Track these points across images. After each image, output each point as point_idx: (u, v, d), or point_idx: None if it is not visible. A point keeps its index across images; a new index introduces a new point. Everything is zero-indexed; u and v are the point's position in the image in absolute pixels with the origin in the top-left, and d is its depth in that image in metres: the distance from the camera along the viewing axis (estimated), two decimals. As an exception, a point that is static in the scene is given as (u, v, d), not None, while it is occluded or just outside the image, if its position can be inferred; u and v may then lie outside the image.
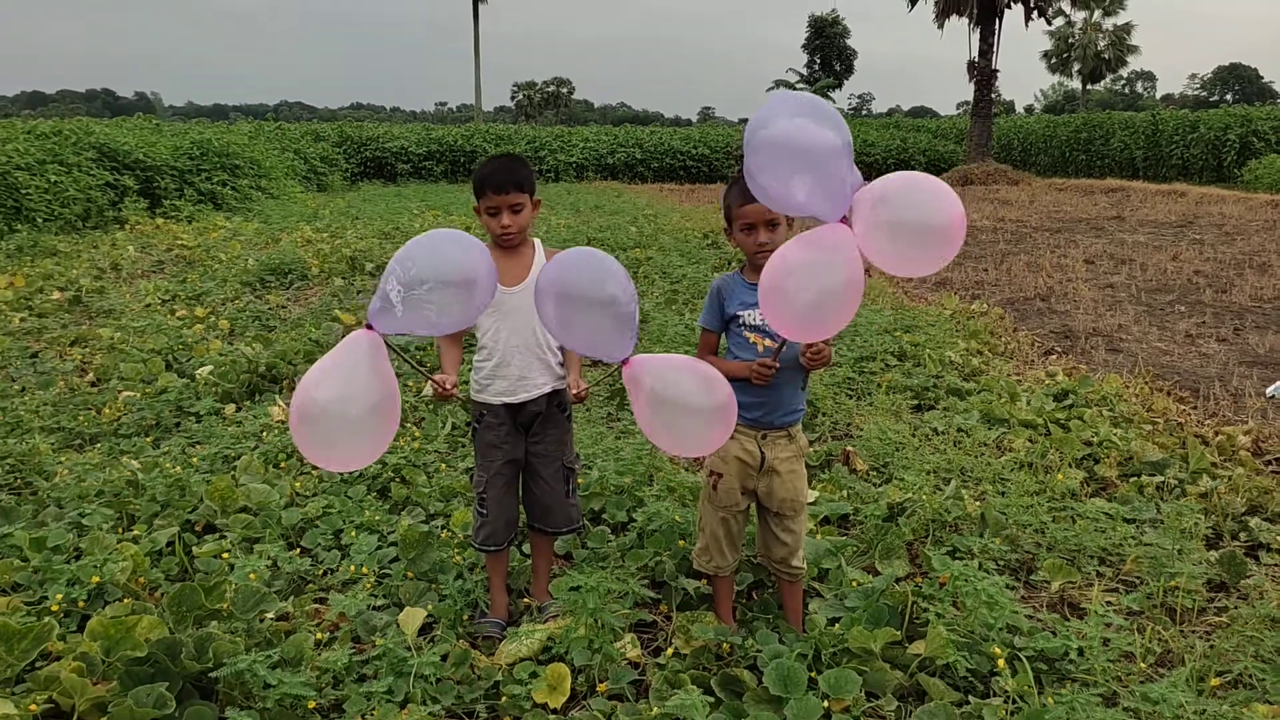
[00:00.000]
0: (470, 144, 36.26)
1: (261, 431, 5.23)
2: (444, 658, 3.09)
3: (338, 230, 15.25)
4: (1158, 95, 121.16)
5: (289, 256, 11.27)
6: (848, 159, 2.47)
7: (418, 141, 35.98)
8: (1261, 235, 15.84)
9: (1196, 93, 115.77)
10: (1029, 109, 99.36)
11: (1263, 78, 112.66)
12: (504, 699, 2.98)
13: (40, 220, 14.22)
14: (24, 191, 14.30)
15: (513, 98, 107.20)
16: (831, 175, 2.46)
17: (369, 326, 2.65)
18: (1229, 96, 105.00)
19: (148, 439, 5.25)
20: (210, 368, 6.36)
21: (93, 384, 6.46)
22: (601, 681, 3.06)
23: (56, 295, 9.38)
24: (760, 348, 3.14)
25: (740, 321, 3.18)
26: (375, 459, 2.82)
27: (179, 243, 13.66)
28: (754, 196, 2.96)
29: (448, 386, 3.12)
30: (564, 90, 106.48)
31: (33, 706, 2.70)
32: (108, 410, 5.65)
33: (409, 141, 35.77)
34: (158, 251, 13.12)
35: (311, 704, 2.84)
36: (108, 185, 16.66)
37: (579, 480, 4.36)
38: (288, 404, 5.74)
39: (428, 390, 6.10)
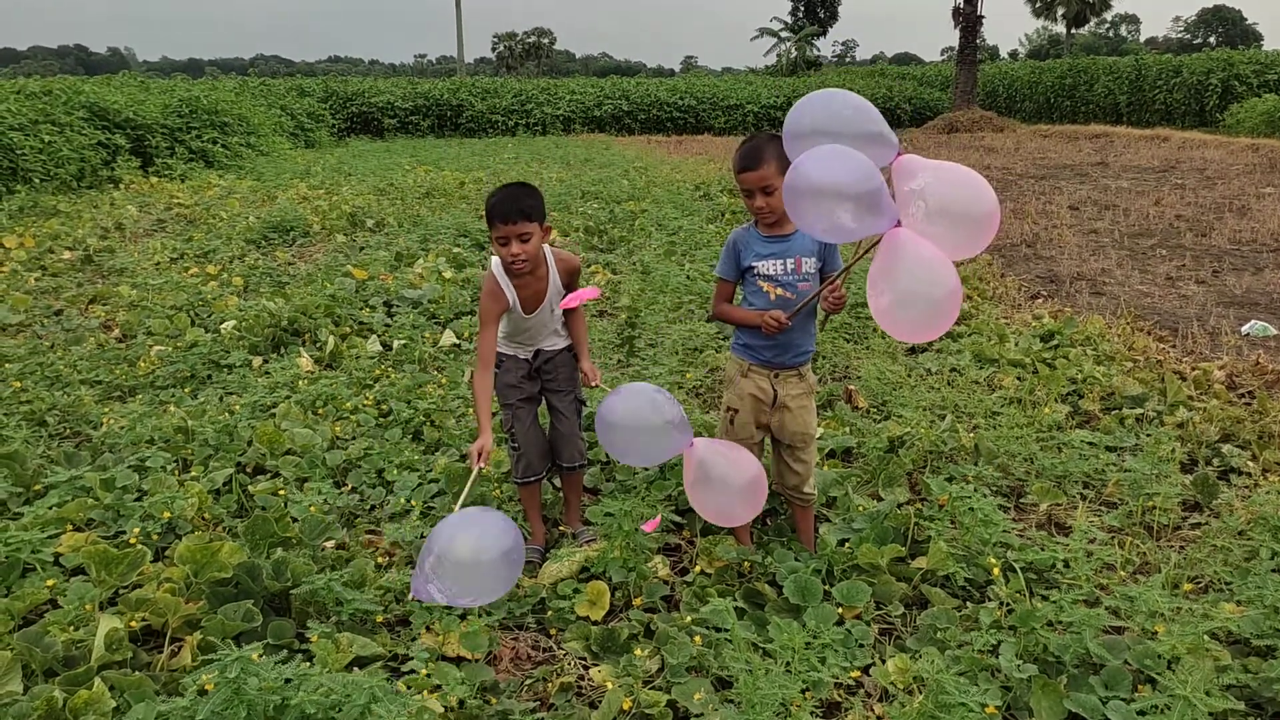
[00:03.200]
0: (456, 97, 36.11)
1: (294, 381, 5.51)
2: (493, 578, 3.40)
3: (333, 187, 15.39)
4: (1142, 38, 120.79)
5: (289, 214, 11.44)
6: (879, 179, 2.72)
7: (403, 96, 35.80)
8: (1241, 179, 16.16)
9: (1181, 35, 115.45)
10: (1013, 54, 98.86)
11: (1246, 19, 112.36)
12: (550, 613, 3.32)
13: (37, 180, 14.32)
14: (19, 152, 14.37)
15: (493, 49, 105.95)
16: (873, 198, 2.67)
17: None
18: (1212, 39, 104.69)
19: (185, 390, 5.53)
20: (233, 322, 6.62)
21: (120, 339, 6.71)
22: (636, 596, 3.39)
23: (67, 255, 9.57)
24: (773, 295, 3.43)
25: (755, 272, 3.45)
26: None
27: (176, 201, 13.80)
28: (750, 164, 3.27)
29: (480, 463, 3.23)
30: (545, 41, 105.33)
31: (133, 623, 3.01)
32: (142, 363, 5.91)
33: (395, 96, 35.59)
34: (157, 210, 13.25)
35: (380, 618, 3.17)
36: (100, 144, 16.69)
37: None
38: (312, 356, 6.02)
39: (445, 339, 6.38)
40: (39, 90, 17.55)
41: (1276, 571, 3.26)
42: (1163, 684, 2.46)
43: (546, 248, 3.51)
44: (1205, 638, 2.77)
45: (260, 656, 2.40)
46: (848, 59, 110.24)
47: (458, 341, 6.49)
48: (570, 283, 3.61)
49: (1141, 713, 2.55)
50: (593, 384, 3.67)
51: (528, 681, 3.00)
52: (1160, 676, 2.60)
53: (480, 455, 3.23)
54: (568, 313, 3.67)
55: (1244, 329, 6.89)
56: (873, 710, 2.85)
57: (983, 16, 35.24)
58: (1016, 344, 6.15)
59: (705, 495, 3.18)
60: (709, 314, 3.49)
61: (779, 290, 3.44)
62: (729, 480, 3.13)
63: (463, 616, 3.18)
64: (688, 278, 7.91)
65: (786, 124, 2.90)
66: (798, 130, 2.88)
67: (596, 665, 3.05)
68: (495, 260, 3.45)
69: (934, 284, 2.65)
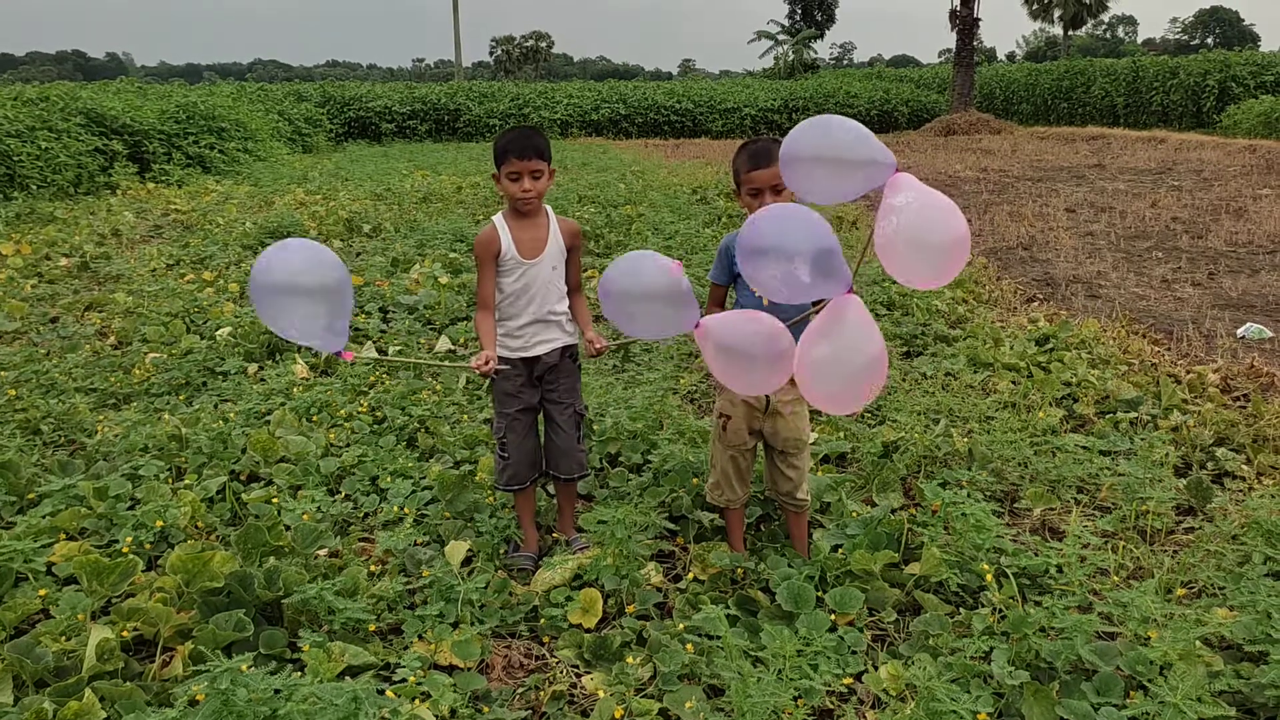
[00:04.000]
0: (454, 102, 36.13)
1: (289, 388, 5.51)
2: (486, 585, 3.40)
3: (330, 192, 15.40)
4: (1139, 40, 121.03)
5: (286, 219, 11.45)
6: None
7: (401, 100, 35.83)
8: (1238, 180, 16.18)
9: (1178, 36, 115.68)
10: (1010, 56, 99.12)
11: (1244, 20, 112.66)
12: (543, 620, 3.31)
13: (34, 187, 14.33)
14: (16, 159, 14.39)
15: (491, 53, 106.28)
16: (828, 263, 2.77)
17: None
18: (1210, 40, 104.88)
19: (180, 397, 5.53)
20: (229, 329, 6.62)
21: (115, 346, 6.71)
22: (630, 603, 3.38)
23: (64, 262, 9.58)
24: (765, 301, 3.44)
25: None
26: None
27: (173, 207, 13.81)
28: (761, 162, 3.27)
29: (487, 367, 3.39)
30: (543, 44, 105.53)
31: (124, 633, 3.01)
32: (137, 371, 5.92)
33: (392, 100, 35.61)
34: (154, 216, 13.28)
35: (372, 627, 3.17)
36: (97, 150, 16.71)
37: (595, 426, 4.69)
38: (308, 363, 6.03)
39: (441, 346, 6.39)
40: (36, 96, 17.58)
41: (1270, 576, 3.27)
42: (1154, 690, 2.45)
43: (554, 216, 3.66)
44: (1197, 643, 2.77)
45: (250, 667, 2.40)
46: (845, 61, 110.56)
47: (453, 347, 6.49)
48: (573, 244, 3.68)
49: (1133, 719, 2.55)
50: (597, 350, 3.60)
51: (520, 690, 3.00)
52: (1151, 683, 2.60)
53: (485, 362, 3.38)
54: (570, 293, 3.69)
55: (1240, 332, 6.89)
56: (865, 717, 2.85)
57: (979, 19, 35.30)
58: (1011, 348, 6.16)
59: (730, 369, 3.06)
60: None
61: (772, 296, 3.44)
62: (752, 349, 2.99)
63: (455, 625, 3.18)
64: (683, 282, 7.91)
65: (783, 150, 2.95)
66: (795, 155, 2.93)
67: (589, 673, 3.05)
68: (497, 215, 3.61)
69: (857, 352, 2.78)
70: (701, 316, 3.35)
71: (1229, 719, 2.65)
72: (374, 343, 6.55)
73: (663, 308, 3.06)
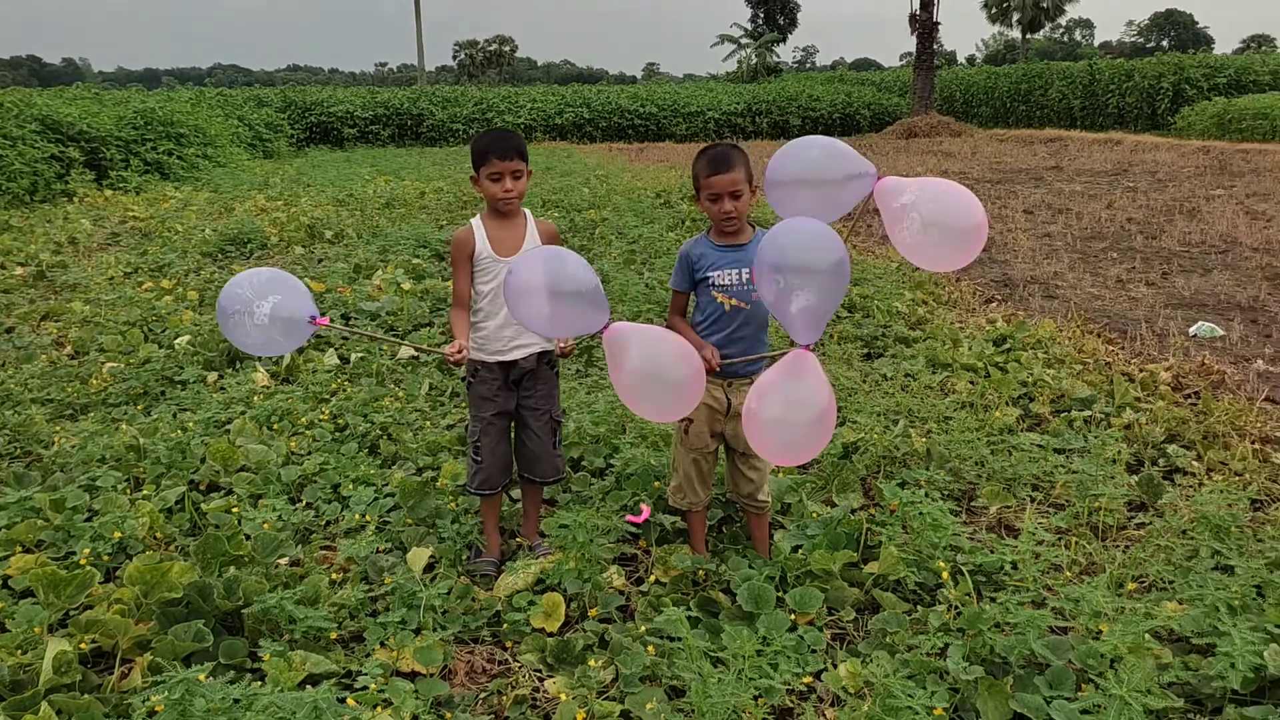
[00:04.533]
0: (416, 106, 35.99)
1: (249, 396, 5.47)
2: (448, 591, 3.41)
3: (291, 199, 15.28)
4: (1096, 43, 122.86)
5: (246, 226, 11.36)
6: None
7: (363, 105, 35.64)
8: (1192, 181, 16.48)
9: (1134, 39, 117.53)
10: (970, 59, 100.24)
11: (1198, 23, 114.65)
12: (505, 625, 3.32)
13: (-12, 195, 14.12)
14: (-31, 166, 14.17)
15: (454, 56, 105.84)
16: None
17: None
18: (1165, 42, 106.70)
19: (138, 407, 5.48)
20: (188, 337, 6.56)
21: (72, 356, 6.63)
22: (592, 607, 3.40)
23: (19, 271, 9.44)
24: (727, 306, 3.48)
25: (710, 282, 3.49)
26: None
27: (131, 214, 13.65)
28: (720, 168, 3.31)
29: (460, 355, 3.42)
30: (506, 48, 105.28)
31: (82, 645, 2.98)
32: (94, 381, 5.85)
33: (354, 105, 35.41)
34: (111, 224, 13.12)
35: (334, 635, 3.16)
36: (53, 158, 16.48)
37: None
38: (268, 371, 5.99)
39: (404, 353, 6.37)
40: (-10, 102, 17.29)
41: (1217, 570, 3.35)
42: (1102, 684, 2.51)
43: (531, 218, 3.70)
44: (1147, 636, 2.83)
45: (208, 677, 2.39)
46: (808, 65, 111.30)
47: (415, 354, 6.47)
48: (550, 245, 3.66)
49: (1084, 712, 2.61)
50: (563, 350, 3.61)
51: (482, 695, 3.01)
52: (1100, 677, 2.65)
53: (459, 350, 3.41)
54: None
55: (1192, 330, 7.03)
56: (824, 715, 2.89)
57: (939, 23, 35.65)
58: (970, 348, 6.24)
59: (632, 385, 3.02)
60: (665, 324, 3.54)
61: (733, 301, 3.48)
62: (660, 368, 2.97)
63: (417, 631, 3.19)
64: (646, 286, 7.94)
65: (768, 173, 3.06)
66: (779, 179, 3.05)
67: (552, 677, 3.06)
68: (475, 217, 3.66)
69: (808, 407, 2.84)
70: (668, 322, 3.43)
71: (1176, 710, 2.72)
72: (335, 350, 6.51)
73: (569, 307, 3.03)
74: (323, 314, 3.22)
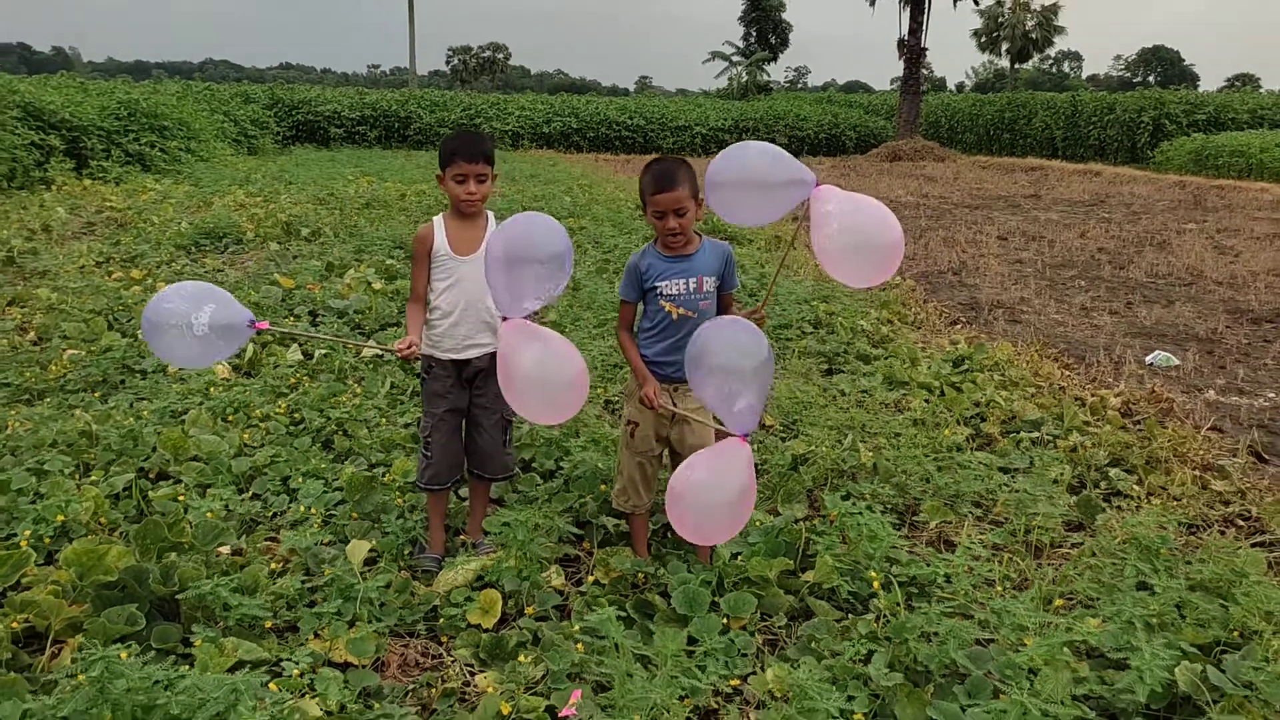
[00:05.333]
0: (405, 109, 35.99)
1: (207, 388, 5.48)
2: (387, 585, 3.44)
3: (271, 195, 15.27)
4: (1084, 75, 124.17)
5: (223, 220, 11.34)
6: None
7: (351, 105, 35.60)
8: (1165, 215, 16.70)
9: (1121, 73, 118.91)
10: (959, 86, 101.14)
11: (1184, 60, 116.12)
12: (441, 620, 3.36)
13: (-36, 180, 14.04)
14: (-54, 150, 14.09)
15: (448, 62, 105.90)
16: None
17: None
18: (1151, 78, 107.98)
19: (95, 394, 5.48)
20: (152, 328, 6.55)
21: (34, 342, 6.62)
22: (529, 605, 3.44)
23: (-11, 256, 9.40)
24: (675, 315, 3.54)
25: (659, 292, 3.55)
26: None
27: (108, 204, 13.60)
28: (665, 186, 3.38)
29: (406, 351, 3.46)
30: (500, 56, 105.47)
31: (14, 624, 3.00)
32: (54, 367, 5.84)
33: (342, 105, 35.37)
34: (87, 213, 13.06)
35: (268, 624, 3.18)
36: (33, 145, 16.39)
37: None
38: (230, 363, 6.00)
39: (369, 351, 6.39)
40: (-30, 88, 17.21)
41: (1139, 588, 3.41)
42: (1011, 693, 2.56)
43: (493, 220, 3.75)
44: (1063, 649, 2.89)
45: (131, 656, 2.41)
46: (800, 85, 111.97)
47: (379, 353, 6.49)
48: None
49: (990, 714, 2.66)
50: (408, 356, 3.66)
51: (412, 687, 3.04)
52: (1009, 687, 2.71)
53: (409, 347, 3.46)
54: None
55: (1148, 359, 7.14)
56: (749, 717, 2.93)
57: (926, 49, 36.04)
58: (928, 368, 6.32)
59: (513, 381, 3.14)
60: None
61: (680, 310, 3.54)
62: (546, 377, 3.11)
63: (351, 624, 3.21)
64: (617, 295, 7.99)
65: (708, 175, 3.16)
66: (718, 183, 3.15)
67: (483, 672, 3.09)
68: (438, 215, 3.74)
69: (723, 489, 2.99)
70: (618, 337, 3.56)
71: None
72: (300, 345, 6.53)
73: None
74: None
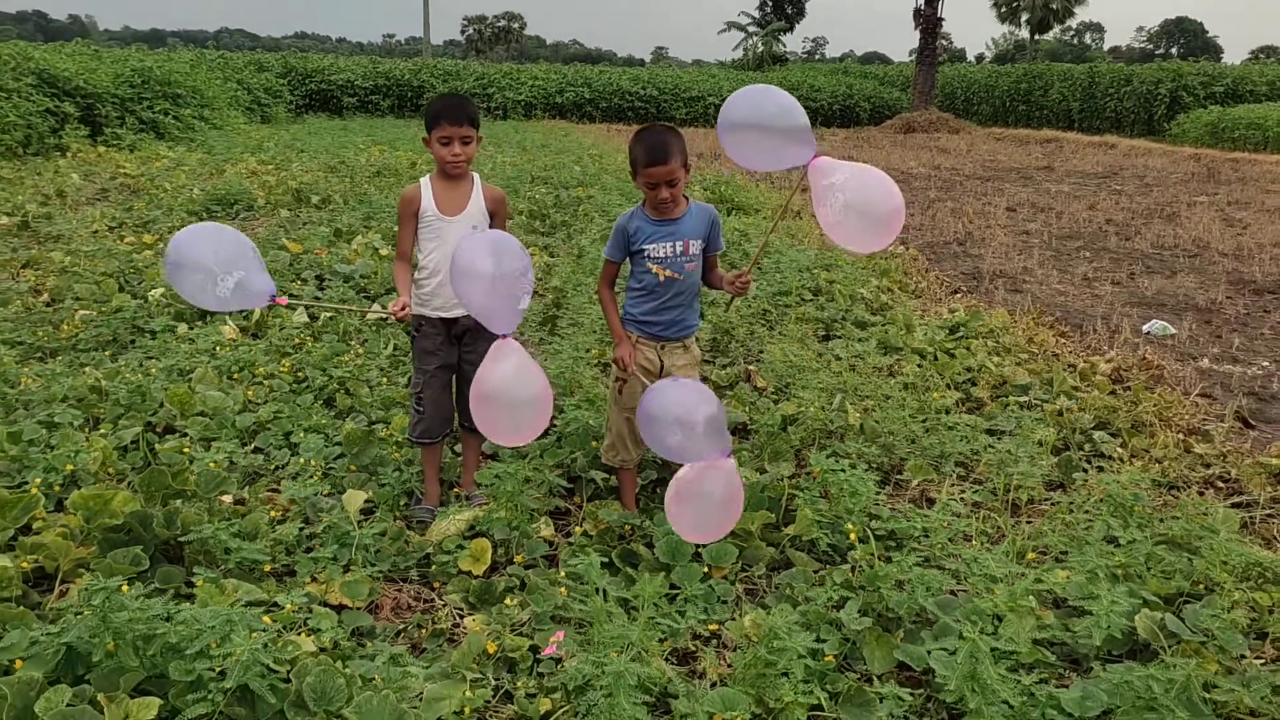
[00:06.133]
0: (418, 79, 35.97)
1: (215, 348, 5.62)
2: (382, 533, 3.57)
3: (283, 163, 15.38)
4: (1105, 47, 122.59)
5: (235, 187, 11.47)
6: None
7: (364, 75, 35.61)
8: (1178, 187, 16.63)
9: (1143, 45, 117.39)
10: (979, 58, 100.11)
11: (1208, 32, 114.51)
12: (434, 567, 3.49)
13: (-19, 146, 14.21)
14: (-37, 116, 14.25)
15: (463, 31, 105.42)
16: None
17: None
18: (1174, 50, 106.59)
19: (106, 353, 5.62)
20: (162, 290, 6.70)
21: (48, 304, 6.76)
22: (518, 553, 3.57)
23: (4, 220, 9.55)
24: (661, 277, 3.64)
25: (646, 254, 3.65)
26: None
27: (122, 171, 13.75)
28: (658, 158, 3.46)
29: (400, 312, 3.56)
30: (515, 25, 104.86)
31: (24, 564, 3.14)
32: (66, 327, 5.99)
33: (355, 74, 35.39)
34: (101, 179, 13.21)
35: (267, 567, 3.32)
36: (48, 112, 16.54)
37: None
38: (237, 325, 6.13)
39: (373, 316, 6.52)
40: (-14, 55, 17.34)
41: (1107, 541, 3.51)
42: (970, 635, 2.66)
43: (479, 181, 3.84)
44: (1028, 596, 3.00)
45: (129, 588, 2.55)
46: (817, 56, 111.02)
47: (384, 316, 6.60)
48: (495, 209, 3.86)
49: (945, 650, 2.79)
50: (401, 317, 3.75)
51: (403, 628, 3.17)
52: (967, 632, 2.81)
53: (402, 309, 3.56)
54: None
55: (1145, 328, 7.19)
56: (725, 658, 3.06)
57: (942, 19, 35.74)
58: (924, 334, 6.40)
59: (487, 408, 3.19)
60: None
61: (667, 272, 3.64)
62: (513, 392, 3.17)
63: (346, 569, 3.35)
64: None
65: (721, 116, 3.27)
66: (731, 122, 3.24)
67: (472, 615, 3.23)
68: (425, 176, 3.82)
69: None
70: (599, 289, 3.63)
71: (1048, 663, 2.90)
72: (307, 309, 6.66)
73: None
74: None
